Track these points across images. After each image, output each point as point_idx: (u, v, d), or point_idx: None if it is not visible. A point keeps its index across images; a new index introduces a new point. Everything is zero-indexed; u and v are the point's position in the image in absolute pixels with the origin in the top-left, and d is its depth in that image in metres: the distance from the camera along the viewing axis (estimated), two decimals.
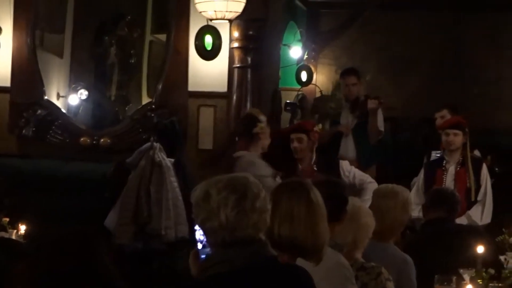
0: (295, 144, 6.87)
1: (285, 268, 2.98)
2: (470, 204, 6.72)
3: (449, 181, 6.78)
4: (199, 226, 2.92)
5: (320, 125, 7.20)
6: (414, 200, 5.98)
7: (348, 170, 6.86)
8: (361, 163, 7.82)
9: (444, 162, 6.92)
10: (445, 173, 6.85)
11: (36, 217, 6.21)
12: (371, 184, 6.68)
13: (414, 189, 6.78)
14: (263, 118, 6.84)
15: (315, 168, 6.81)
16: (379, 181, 7.22)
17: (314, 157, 6.91)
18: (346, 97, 8.49)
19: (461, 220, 6.38)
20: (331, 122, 8.73)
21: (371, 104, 7.94)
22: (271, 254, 2.94)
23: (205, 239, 2.91)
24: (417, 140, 10.95)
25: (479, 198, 6.77)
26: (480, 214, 6.72)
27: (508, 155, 8.70)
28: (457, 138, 6.87)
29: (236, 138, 7.23)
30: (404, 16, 12.86)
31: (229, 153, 6.98)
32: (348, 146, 8.19)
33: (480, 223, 6.62)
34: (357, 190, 6.66)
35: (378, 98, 8.13)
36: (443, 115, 7.47)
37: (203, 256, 2.93)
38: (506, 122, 12.32)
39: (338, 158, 7.37)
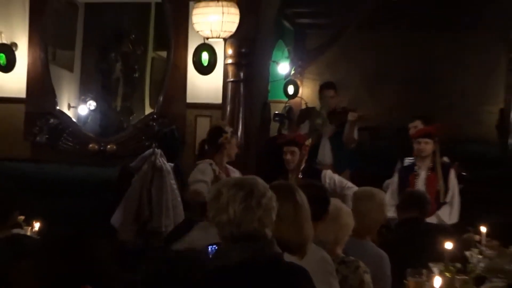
0: (288, 157, 6.85)
1: (286, 267, 2.95)
2: (439, 205, 6.74)
3: (420, 185, 6.79)
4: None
5: (310, 140, 7.20)
6: (389, 201, 6.00)
7: (330, 177, 6.87)
8: (336, 168, 7.86)
9: (416, 168, 6.94)
10: (417, 178, 6.87)
11: (48, 216, 6.20)
12: (351, 189, 6.67)
13: (389, 192, 6.79)
14: (228, 129, 6.82)
15: (300, 176, 6.81)
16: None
17: (302, 166, 6.90)
18: (324, 107, 8.46)
19: (431, 220, 6.39)
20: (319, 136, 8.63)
21: (351, 116, 7.95)
22: (276, 251, 2.92)
23: None
24: (393, 147, 10.98)
25: (447, 199, 6.78)
26: (448, 214, 6.73)
27: (474, 162, 8.72)
28: (427, 146, 6.90)
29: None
30: (380, 36, 12.91)
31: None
32: (325, 152, 8.19)
33: (448, 222, 6.63)
34: (338, 196, 6.65)
35: (356, 110, 8.16)
36: (416, 125, 7.47)
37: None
38: (471, 132, 12.38)
39: (319, 167, 7.35)
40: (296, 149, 6.81)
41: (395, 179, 7.04)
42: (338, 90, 8.64)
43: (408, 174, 6.93)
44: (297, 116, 10.21)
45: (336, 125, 8.19)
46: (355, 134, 8.09)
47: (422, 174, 6.88)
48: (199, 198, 6.18)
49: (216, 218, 2.87)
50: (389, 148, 11.25)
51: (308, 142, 7.03)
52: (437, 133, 6.99)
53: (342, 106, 8.61)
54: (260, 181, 2.94)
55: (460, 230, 5.84)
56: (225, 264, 2.85)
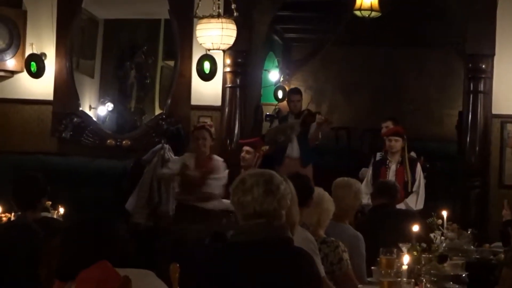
0: (243, 154, 6.85)
1: (295, 250, 2.88)
2: (407, 194, 6.69)
3: (391, 176, 6.73)
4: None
5: (267, 147, 7.16)
6: (364, 190, 5.92)
7: None
8: (303, 162, 7.82)
9: (387, 162, 6.87)
10: (388, 170, 6.81)
11: (71, 201, 6.15)
12: None
13: (364, 182, 6.72)
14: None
15: None
16: (316, 176, 7.16)
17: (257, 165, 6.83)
18: (291, 110, 8.25)
19: (400, 206, 6.33)
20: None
21: (319, 119, 7.81)
22: (288, 236, 2.87)
23: None
24: (364, 145, 10.98)
25: (414, 189, 6.73)
26: (415, 202, 6.68)
27: (436, 158, 8.70)
28: (397, 143, 6.84)
29: None
30: (354, 50, 12.91)
31: None
32: (293, 148, 8.06)
33: (415, 208, 6.58)
34: None
35: (320, 114, 8.11)
36: (388, 125, 7.43)
37: None
38: (434, 131, 12.38)
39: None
40: (251, 150, 6.78)
41: (369, 171, 7.00)
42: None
43: (380, 166, 6.87)
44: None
45: (302, 125, 8.04)
46: (320, 134, 7.96)
47: (393, 167, 6.82)
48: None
49: (241, 199, 2.84)
50: (361, 144, 11.26)
51: (264, 148, 6.98)
52: (405, 132, 6.97)
53: (307, 108, 8.54)
54: (275, 173, 2.92)
55: (425, 215, 5.80)
56: (242, 240, 2.81)
